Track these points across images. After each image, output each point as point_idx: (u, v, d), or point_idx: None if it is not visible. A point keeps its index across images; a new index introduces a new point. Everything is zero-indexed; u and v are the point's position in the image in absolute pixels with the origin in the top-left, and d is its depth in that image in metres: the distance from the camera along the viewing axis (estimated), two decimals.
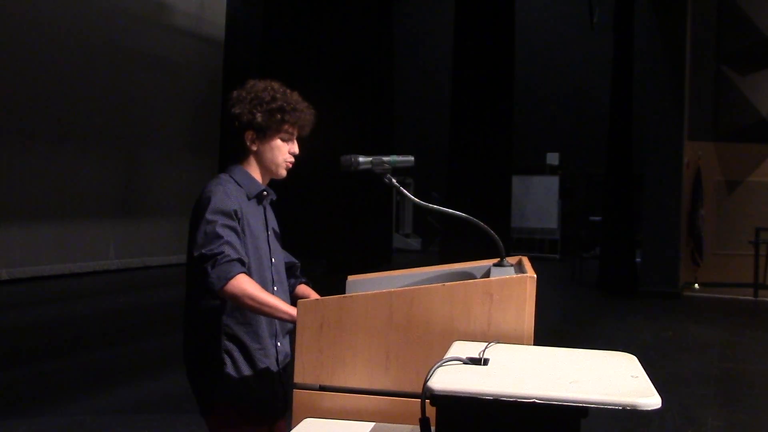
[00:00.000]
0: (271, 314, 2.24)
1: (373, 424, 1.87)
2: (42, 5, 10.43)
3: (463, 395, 1.44)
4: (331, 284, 2.61)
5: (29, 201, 10.39)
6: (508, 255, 2.21)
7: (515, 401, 1.41)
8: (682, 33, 10.99)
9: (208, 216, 2.24)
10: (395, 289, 1.94)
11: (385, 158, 2.28)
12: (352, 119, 11.22)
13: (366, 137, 11.17)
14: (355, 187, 11.24)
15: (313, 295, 2.53)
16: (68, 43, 10.77)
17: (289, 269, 2.60)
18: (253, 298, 2.19)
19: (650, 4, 11.20)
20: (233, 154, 2.43)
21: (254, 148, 2.38)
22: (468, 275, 2.32)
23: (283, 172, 2.44)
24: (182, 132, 13.06)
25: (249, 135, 2.36)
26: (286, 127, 2.38)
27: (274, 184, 2.50)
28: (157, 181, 12.57)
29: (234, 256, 2.21)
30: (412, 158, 2.35)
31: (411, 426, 1.80)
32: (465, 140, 9.63)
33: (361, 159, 2.27)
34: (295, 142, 2.44)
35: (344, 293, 2.18)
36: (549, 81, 16.11)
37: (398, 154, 2.32)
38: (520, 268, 2.17)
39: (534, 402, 1.40)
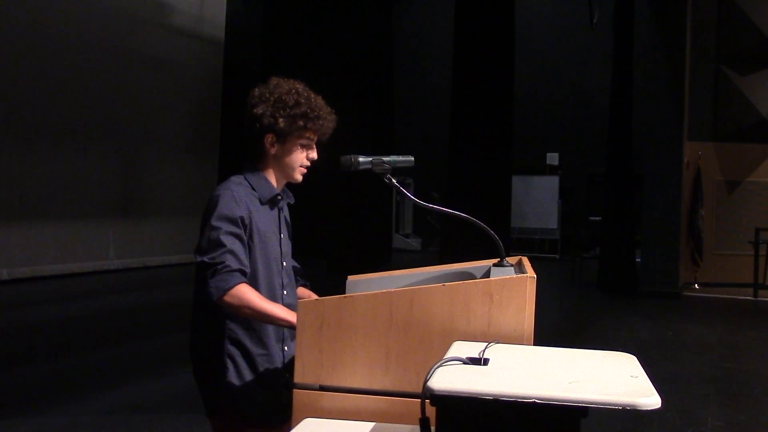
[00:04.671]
0: (270, 322, 2.25)
1: (373, 424, 1.87)
2: (42, 5, 10.43)
3: (463, 395, 1.44)
4: (331, 284, 2.61)
5: (29, 201, 10.39)
6: (508, 255, 2.20)
7: (515, 401, 1.41)
8: (682, 33, 10.98)
9: (213, 222, 2.23)
10: (395, 289, 1.94)
11: (385, 158, 2.28)
12: (351, 119, 11.17)
13: (366, 137, 11.16)
14: (355, 187, 11.22)
15: (312, 297, 2.53)
16: (68, 43, 10.77)
17: None
18: (251, 308, 2.19)
19: (650, 4, 11.20)
20: (250, 154, 2.41)
21: (273, 151, 2.36)
22: (468, 275, 2.32)
23: (299, 177, 2.41)
24: (182, 132, 13.06)
25: (269, 138, 2.34)
26: (307, 134, 2.36)
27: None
28: (157, 181, 12.56)
29: (235, 266, 2.20)
30: (412, 158, 2.35)
31: (411, 426, 1.79)
32: (465, 140, 9.61)
33: (361, 159, 2.27)
34: (315, 147, 2.42)
35: (344, 293, 2.18)
36: (549, 81, 16.11)
37: (398, 154, 2.32)
38: (520, 268, 2.17)
39: (534, 402, 1.40)
